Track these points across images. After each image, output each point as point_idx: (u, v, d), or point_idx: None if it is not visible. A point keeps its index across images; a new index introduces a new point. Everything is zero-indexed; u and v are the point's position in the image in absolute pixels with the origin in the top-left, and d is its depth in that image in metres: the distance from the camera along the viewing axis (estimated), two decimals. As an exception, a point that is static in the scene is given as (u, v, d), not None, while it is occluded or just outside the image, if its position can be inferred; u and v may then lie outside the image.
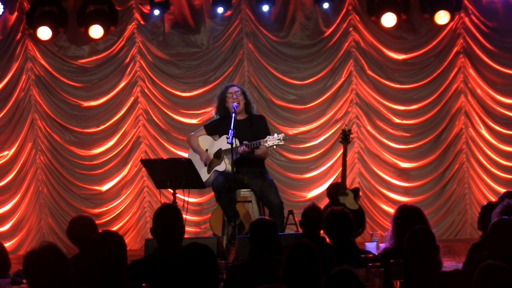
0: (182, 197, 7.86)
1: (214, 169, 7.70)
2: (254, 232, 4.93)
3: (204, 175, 7.74)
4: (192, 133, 8.03)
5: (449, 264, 7.56)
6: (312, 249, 4.07)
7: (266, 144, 7.34)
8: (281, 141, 7.32)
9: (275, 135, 7.38)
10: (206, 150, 7.83)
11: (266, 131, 7.60)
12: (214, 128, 7.84)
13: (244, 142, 7.41)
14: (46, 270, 3.57)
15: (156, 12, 9.90)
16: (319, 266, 4.03)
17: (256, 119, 7.79)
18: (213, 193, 8.41)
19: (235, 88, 7.77)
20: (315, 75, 10.10)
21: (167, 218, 4.75)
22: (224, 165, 7.60)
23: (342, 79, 10.08)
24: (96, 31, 9.85)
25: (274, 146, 7.39)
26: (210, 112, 9.99)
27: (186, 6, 10.06)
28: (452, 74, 9.99)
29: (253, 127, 7.66)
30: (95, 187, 10.20)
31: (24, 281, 3.89)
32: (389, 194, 10.02)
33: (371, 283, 4.49)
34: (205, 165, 7.78)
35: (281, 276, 4.06)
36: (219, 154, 7.71)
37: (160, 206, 5.01)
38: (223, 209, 7.66)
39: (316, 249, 4.10)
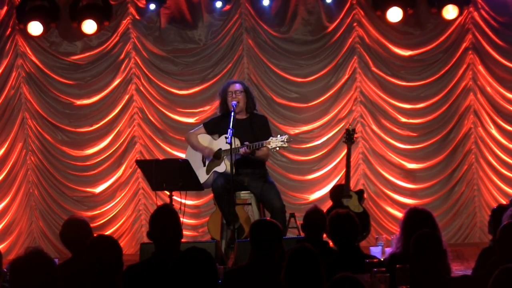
0: (179, 199, 7.86)
1: (214, 170, 7.72)
2: (254, 233, 4.92)
3: (203, 175, 7.75)
4: (191, 131, 8.06)
5: (458, 270, 7.57)
6: (314, 253, 4.07)
7: (269, 146, 7.37)
8: (284, 143, 7.35)
9: (278, 136, 7.40)
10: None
11: (267, 132, 7.61)
12: (213, 127, 7.85)
13: (245, 142, 7.42)
14: (33, 277, 3.57)
15: (152, 6, 9.91)
16: (321, 271, 4.03)
17: (257, 119, 7.80)
18: (211, 195, 8.43)
19: (236, 87, 7.77)
20: (317, 72, 10.10)
21: (165, 221, 4.75)
22: (225, 166, 7.61)
23: (346, 76, 10.09)
24: (89, 26, 9.86)
25: (277, 148, 7.41)
26: (208, 110, 10.05)
27: (183, 0, 10.07)
28: (461, 71, 9.99)
29: (254, 128, 7.66)
30: (88, 189, 10.21)
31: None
32: (395, 196, 10.02)
33: (376, 289, 4.50)
34: (205, 160, 7.78)
35: (282, 281, 4.06)
36: (219, 155, 7.72)
37: (156, 208, 5.01)
38: (222, 212, 7.67)
39: (318, 253, 4.10)
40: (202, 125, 8.06)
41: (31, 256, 3.62)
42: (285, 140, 7.36)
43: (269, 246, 4.82)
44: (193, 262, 3.65)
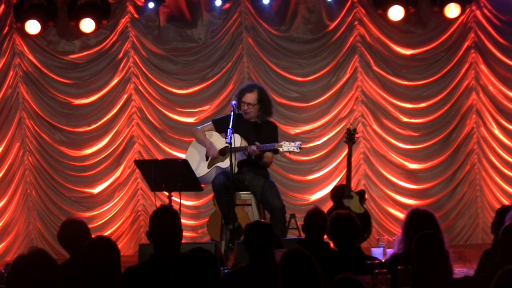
0: (178, 200, 7.87)
1: (216, 165, 7.73)
2: (248, 236, 4.94)
3: (204, 169, 7.75)
4: (199, 127, 8.07)
5: (460, 271, 7.57)
6: (306, 255, 4.03)
7: (280, 149, 7.43)
8: (296, 149, 7.41)
9: (292, 142, 7.45)
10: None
11: (274, 140, 7.62)
12: (223, 125, 7.81)
13: (256, 142, 7.44)
14: (34, 278, 3.56)
15: (151, 4, 9.90)
16: (317, 271, 3.99)
17: (266, 126, 7.82)
18: (210, 196, 8.44)
19: (249, 97, 7.73)
20: (318, 71, 10.10)
21: (165, 221, 4.73)
22: (228, 163, 7.63)
23: (347, 76, 10.09)
24: (87, 25, 9.85)
25: (288, 152, 7.47)
26: (208, 110, 10.06)
27: (182, -1, 10.08)
28: (463, 70, 9.99)
29: (260, 134, 7.68)
30: (86, 190, 10.20)
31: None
32: (397, 197, 10.02)
33: (377, 291, 4.50)
34: (207, 158, 7.79)
35: (280, 286, 4.04)
36: (224, 151, 7.74)
37: (157, 208, 5.00)
38: (221, 210, 7.68)
39: (310, 254, 4.07)
40: (211, 121, 8.08)
41: (34, 256, 3.62)
42: (298, 147, 7.42)
43: (264, 248, 4.84)
44: (197, 263, 3.66)
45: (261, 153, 7.51)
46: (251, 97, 7.74)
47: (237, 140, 7.54)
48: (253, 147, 7.45)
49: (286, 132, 9.88)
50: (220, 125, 7.88)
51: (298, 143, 7.48)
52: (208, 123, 8.08)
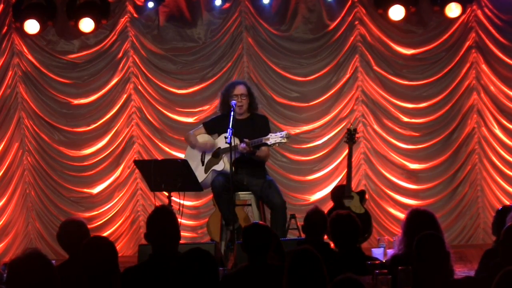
0: (177, 200, 7.87)
1: (212, 168, 7.73)
2: (246, 238, 4.95)
3: (201, 174, 7.76)
4: (191, 132, 8.07)
5: (461, 271, 7.57)
6: (315, 255, 4.06)
7: (268, 142, 7.41)
8: (284, 139, 7.39)
9: (278, 133, 7.44)
10: (204, 152, 7.87)
11: (268, 133, 7.63)
12: (213, 126, 7.87)
13: (244, 139, 7.45)
14: (31, 279, 3.56)
15: (150, 4, 9.90)
16: (324, 273, 4.01)
17: (258, 120, 7.84)
18: (210, 196, 8.44)
19: (241, 89, 7.78)
20: (318, 71, 10.10)
21: (162, 222, 4.74)
22: (223, 164, 7.64)
23: (347, 76, 10.09)
24: (86, 25, 9.85)
25: (276, 145, 7.45)
26: (208, 110, 10.06)
27: (182, -2, 10.08)
28: (464, 70, 9.99)
29: (254, 128, 7.69)
30: (85, 190, 10.20)
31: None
32: (397, 197, 10.02)
33: (378, 291, 4.50)
34: (204, 159, 7.79)
35: (283, 285, 4.04)
36: (217, 153, 7.74)
37: (153, 209, 5.00)
38: (221, 211, 7.68)
39: (319, 255, 4.09)
40: (202, 125, 8.08)
41: (29, 258, 3.61)
42: (285, 136, 7.39)
43: (263, 250, 4.84)
44: (195, 264, 3.66)
45: (252, 149, 7.50)
46: (242, 89, 7.81)
47: (224, 141, 7.53)
48: (243, 145, 7.46)
49: (287, 132, 9.85)
50: (211, 127, 7.91)
51: (284, 132, 7.48)
52: (199, 127, 8.08)
